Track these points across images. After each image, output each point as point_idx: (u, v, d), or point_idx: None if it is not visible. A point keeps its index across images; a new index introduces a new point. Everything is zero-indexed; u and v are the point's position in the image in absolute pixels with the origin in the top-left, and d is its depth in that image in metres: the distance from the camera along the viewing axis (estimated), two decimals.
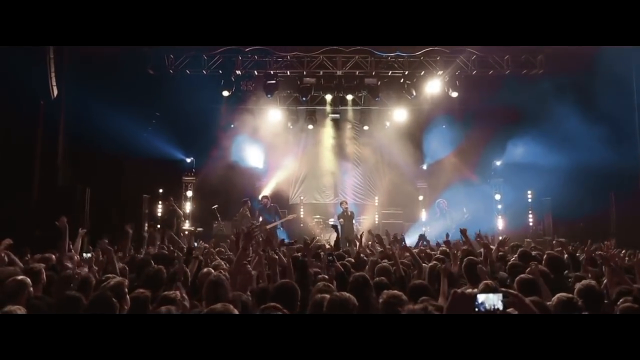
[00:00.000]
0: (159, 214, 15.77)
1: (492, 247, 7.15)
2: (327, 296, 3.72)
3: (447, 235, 8.88)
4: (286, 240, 11.40)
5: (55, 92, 12.42)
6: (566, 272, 5.12)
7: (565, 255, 6.54)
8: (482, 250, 6.80)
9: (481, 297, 2.36)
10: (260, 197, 16.01)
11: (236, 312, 2.86)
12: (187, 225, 15.81)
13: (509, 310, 2.40)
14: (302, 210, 17.40)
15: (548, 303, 3.62)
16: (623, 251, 7.56)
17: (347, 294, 3.41)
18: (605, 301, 4.18)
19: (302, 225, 16.61)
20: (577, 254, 7.02)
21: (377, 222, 16.98)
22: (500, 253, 7.11)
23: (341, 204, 15.59)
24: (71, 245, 6.82)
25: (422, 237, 9.64)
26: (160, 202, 15.86)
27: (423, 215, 17.17)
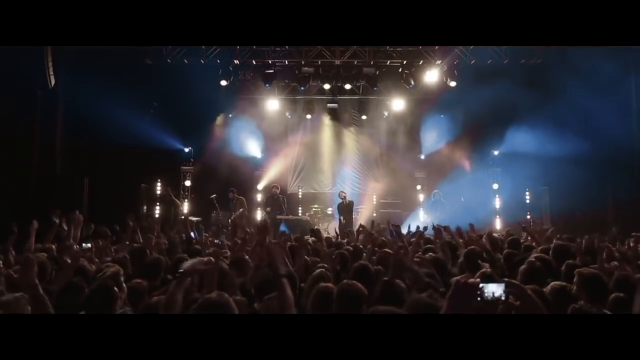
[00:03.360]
0: (157, 204, 15.75)
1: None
2: (330, 285, 3.74)
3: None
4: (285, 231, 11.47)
5: (53, 82, 12.40)
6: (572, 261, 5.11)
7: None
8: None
9: (482, 286, 2.38)
10: (271, 186, 16.08)
11: (231, 301, 2.84)
12: (185, 215, 15.80)
13: (511, 299, 2.41)
14: (300, 199, 17.46)
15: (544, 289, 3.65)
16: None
17: (359, 284, 3.40)
18: None
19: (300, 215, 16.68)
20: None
21: (374, 211, 17.02)
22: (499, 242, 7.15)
23: (339, 194, 15.60)
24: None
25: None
26: (158, 192, 15.84)
27: (421, 204, 17.21)
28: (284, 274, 3.15)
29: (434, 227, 8.69)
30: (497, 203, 16.27)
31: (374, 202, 17.34)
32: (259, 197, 17.14)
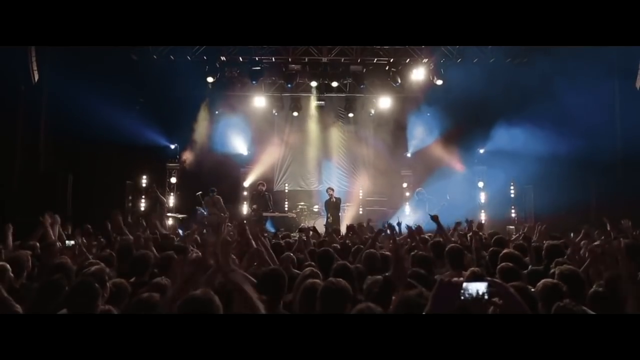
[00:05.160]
0: (142, 201, 15.64)
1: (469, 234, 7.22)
2: (318, 281, 3.74)
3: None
4: (272, 230, 11.47)
5: (37, 77, 12.25)
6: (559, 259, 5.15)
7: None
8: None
9: (465, 285, 2.39)
10: (257, 184, 15.99)
11: (216, 298, 2.83)
12: (170, 212, 15.73)
13: (494, 299, 2.43)
14: (286, 197, 17.43)
15: (532, 290, 3.70)
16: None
17: (344, 282, 3.41)
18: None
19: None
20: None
21: (361, 209, 17.05)
22: (483, 239, 7.19)
23: (327, 190, 15.56)
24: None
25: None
26: (143, 189, 15.73)
27: (407, 202, 17.25)
28: (231, 270, 3.11)
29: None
30: (482, 201, 16.38)
31: (360, 200, 17.36)
32: (245, 194, 17.09)
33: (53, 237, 6.59)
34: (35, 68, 12.18)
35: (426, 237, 7.46)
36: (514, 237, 9.05)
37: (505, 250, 5.52)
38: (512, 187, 16.02)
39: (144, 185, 15.73)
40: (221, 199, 14.73)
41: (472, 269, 4.22)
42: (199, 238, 7.49)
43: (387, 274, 3.99)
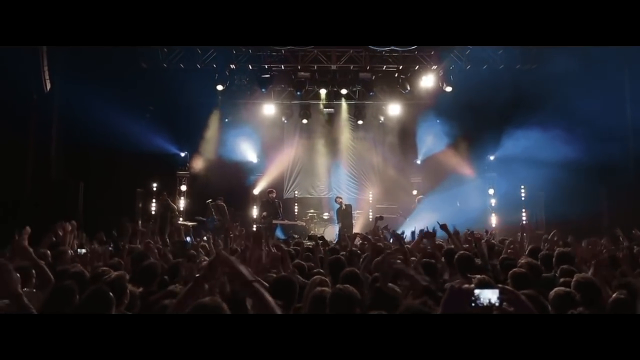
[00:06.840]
0: (153, 209, 15.70)
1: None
2: (327, 289, 3.74)
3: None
4: (282, 237, 11.47)
5: (49, 86, 12.37)
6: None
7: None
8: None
9: (477, 292, 2.37)
10: (267, 191, 16.01)
11: (225, 306, 2.81)
12: (181, 220, 15.76)
13: (505, 305, 2.41)
14: (296, 204, 17.43)
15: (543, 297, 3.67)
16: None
17: (352, 288, 3.42)
18: None
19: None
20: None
21: (371, 216, 17.01)
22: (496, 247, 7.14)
23: (336, 200, 15.56)
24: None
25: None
26: (154, 197, 15.80)
27: (417, 209, 17.16)
28: (253, 280, 3.07)
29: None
30: (493, 208, 16.27)
31: (370, 207, 17.33)
32: (255, 202, 17.12)
33: (68, 244, 6.63)
34: (47, 77, 12.30)
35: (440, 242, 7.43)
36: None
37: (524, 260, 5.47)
38: (522, 194, 15.90)
39: (154, 188, 15.73)
40: (225, 206, 14.81)
41: (479, 276, 4.20)
42: (207, 245, 7.52)
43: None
